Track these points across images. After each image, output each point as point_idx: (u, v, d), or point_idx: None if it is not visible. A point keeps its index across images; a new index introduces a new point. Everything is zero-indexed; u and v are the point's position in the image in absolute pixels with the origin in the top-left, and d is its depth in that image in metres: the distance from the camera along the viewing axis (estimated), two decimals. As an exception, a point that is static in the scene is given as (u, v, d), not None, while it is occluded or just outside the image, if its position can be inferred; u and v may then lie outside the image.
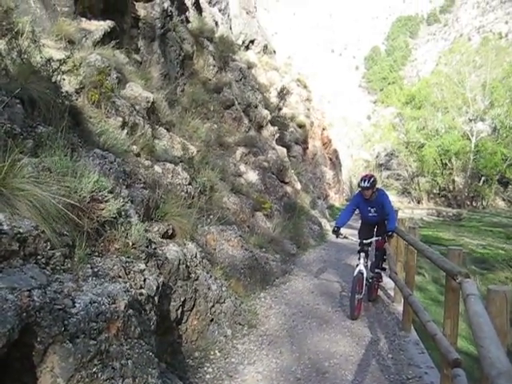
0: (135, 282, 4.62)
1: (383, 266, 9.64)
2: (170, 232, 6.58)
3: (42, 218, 3.88)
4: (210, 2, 23.20)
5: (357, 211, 9.10)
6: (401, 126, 57.01)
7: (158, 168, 8.14)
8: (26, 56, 5.12)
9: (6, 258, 3.48)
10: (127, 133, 7.83)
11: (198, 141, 12.04)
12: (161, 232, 6.36)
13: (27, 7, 8.26)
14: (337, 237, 8.55)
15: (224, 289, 7.26)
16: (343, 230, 8.68)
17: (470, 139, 49.12)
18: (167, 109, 11.08)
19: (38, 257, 3.71)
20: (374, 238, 8.78)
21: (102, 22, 10.33)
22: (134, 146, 7.81)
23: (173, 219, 6.83)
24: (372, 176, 8.67)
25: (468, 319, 3.18)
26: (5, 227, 3.48)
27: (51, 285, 3.54)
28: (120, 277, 4.38)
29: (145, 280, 4.77)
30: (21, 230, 3.59)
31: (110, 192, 4.60)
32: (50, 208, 3.91)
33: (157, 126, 9.68)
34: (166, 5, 13.52)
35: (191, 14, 17.43)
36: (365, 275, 8.34)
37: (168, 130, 10.28)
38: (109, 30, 10.33)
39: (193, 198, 8.91)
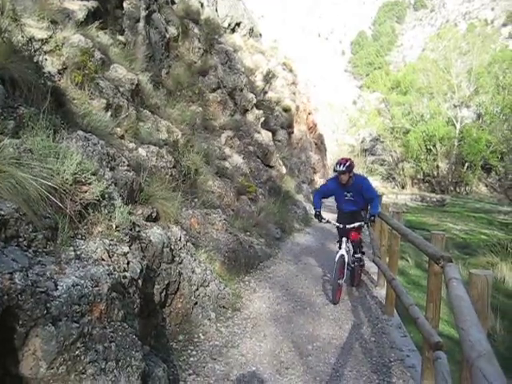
0: (119, 264, 4.58)
1: (362, 250, 9.43)
2: (154, 215, 6.55)
3: (24, 200, 3.82)
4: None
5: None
6: (386, 112, 57.23)
7: (142, 151, 8.07)
8: (6, 35, 5.01)
9: (-13, 240, 3.44)
10: (111, 115, 7.75)
11: (183, 124, 11.94)
12: (145, 215, 6.32)
13: (8, -15, 8.08)
14: (320, 221, 8.37)
15: (208, 272, 7.26)
16: (325, 215, 8.59)
17: (454, 125, 49.49)
18: (152, 91, 10.97)
19: (20, 239, 3.66)
20: (354, 225, 8.37)
21: (85, 2, 10.16)
22: (118, 129, 7.74)
23: (157, 202, 6.79)
24: (348, 160, 8.16)
25: (450, 303, 3.21)
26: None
27: (33, 267, 3.51)
28: (103, 260, 4.34)
29: (128, 263, 4.74)
30: (2, 213, 3.54)
31: (93, 174, 4.54)
32: (31, 190, 3.85)
33: (141, 109, 9.59)
34: (149, -15, 13.31)
35: (176, -5, 17.20)
36: (346, 260, 8.31)
37: (153, 112, 10.19)
38: (92, 10, 10.18)
39: (177, 181, 8.85)
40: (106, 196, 4.85)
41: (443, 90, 51.95)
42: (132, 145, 7.86)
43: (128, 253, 4.83)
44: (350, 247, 8.76)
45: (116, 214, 4.88)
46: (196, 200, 9.54)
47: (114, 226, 4.86)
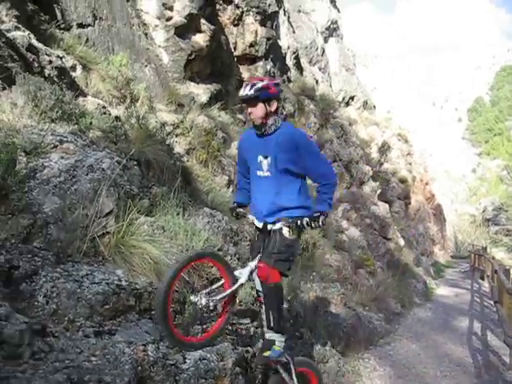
0: (242, 339, 4.66)
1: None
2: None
3: (156, 274, 4.07)
4: (310, 62, 23.78)
5: None
6: (509, 179, 54.43)
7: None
8: (143, 121, 5.52)
9: (124, 312, 3.67)
10: (232, 191, 8.08)
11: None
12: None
13: (143, 75, 8.91)
14: (237, 218, 4.60)
15: (327, 348, 7.11)
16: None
17: None
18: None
19: (152, 312, 3.87)
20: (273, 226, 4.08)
21: (208, 86, 10.91)
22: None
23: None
24: (263, 79, 4.09)
25: None
26: (123, 283, 3.68)
27: (164, 340, 3.66)
28: (228, 334, 4.45)
29: (251, 337, 4.80)
30: (137, 286, 3.78)
31: (219, 250, 4.74)
32: (162, 266, 4.09)
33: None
34: (268, 66, 14.05)
35: (292, 73, 17.96)
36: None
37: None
38: (215, 92, 10.87)
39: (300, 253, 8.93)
40: (229, 270, 5.01)
41: None
42: (252, 218, 8.08)
43: (251, 327, 4.90)
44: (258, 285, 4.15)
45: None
46: (314, 273, 9.51)
47: (237, 301, 4.98)
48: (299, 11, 25.14)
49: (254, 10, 14.14)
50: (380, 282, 13.11)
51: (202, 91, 10.40)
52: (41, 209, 3.66)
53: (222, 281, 4.04)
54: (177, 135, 6.23)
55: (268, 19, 14.89)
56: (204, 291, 3.85)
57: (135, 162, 4.82)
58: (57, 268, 3.39)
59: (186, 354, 3.65)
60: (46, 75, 6.26)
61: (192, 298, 3.81)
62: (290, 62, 18.20)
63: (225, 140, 9.18)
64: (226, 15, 13.72)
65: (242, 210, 4.43)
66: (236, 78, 12.66)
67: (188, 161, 7.03)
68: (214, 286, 3.96)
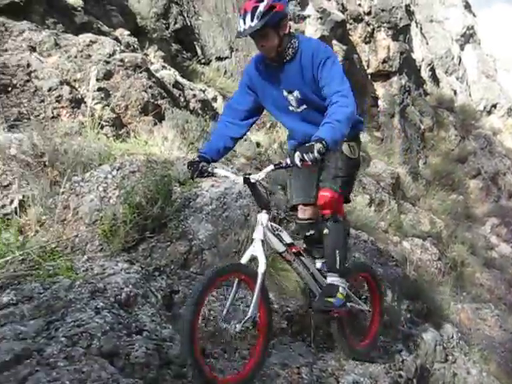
0: (394, 363, 4.52)
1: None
2: (425, 311, 6.36)
3: (305, 297, 4.10)
4: (446, 72, 22.89)
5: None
6: None
7: (406, 244, 8.06)
8: (285, 146, 5.62)
9: (276, 335, 3.73)
10: (374, 210, 7.97)
11: (444, 214, 11.63)
12: (415, 311, 6.19)
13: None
14: (194, 177, 3.28)
15: (484, 374, 6.66)
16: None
17: None
18: (411, 183, 11.03)
19: (304, 335, 3.90)
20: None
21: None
22: (382, 223, 7.89)
23: (425, 297, 6.60)
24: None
25: None
26: (275, 306, 3.76)
27: (317, 363, 3.67)
28: (380, 357, 4.34)
29: (403, 361, 4.64)
30: (288, 309, 3.85)
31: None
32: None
33: (402, 201, 9.67)
34: (403, 81, 13.78)
35: (428, 86, 17.42)
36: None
37: (413, 204, 10.20)
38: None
39: (443, 274, 8.55)
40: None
41: None
42: (396, 238, 7.91)
43: (402, 350, 4.75)
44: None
45: (388, 310, 4.90)
46: (464, 293, 9.02)
47: (388, 324, 4.86)
48: (431, 21, 24.35)
49: (384, 25, 13.98)
50: (539, 302, 12.09)
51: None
52: (196, 236, 3.87)
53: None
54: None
55: (400, 33, 14.65)
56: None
57: (279, 187, 4.92)
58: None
59: (340, 378, 3.62)
60: (192, 108, 6.67)
61: (222, 323, 2.88)
62: (424, 74, 17.67)
63: (363, 159, 9.08)
64: (357, 33, 13.70)
65: (206, 165, 3.22)
66: (371, 96, 12.56)
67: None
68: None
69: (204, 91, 7.36)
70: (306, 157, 2.75)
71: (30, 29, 5.64)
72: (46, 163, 4.38)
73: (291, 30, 3.21)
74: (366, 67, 13.55)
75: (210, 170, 3.21)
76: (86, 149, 4.61)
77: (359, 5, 13.87)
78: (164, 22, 8.29)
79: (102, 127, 5.30)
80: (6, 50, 5.30)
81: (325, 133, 2.86)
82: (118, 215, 3.57)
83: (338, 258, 3.37)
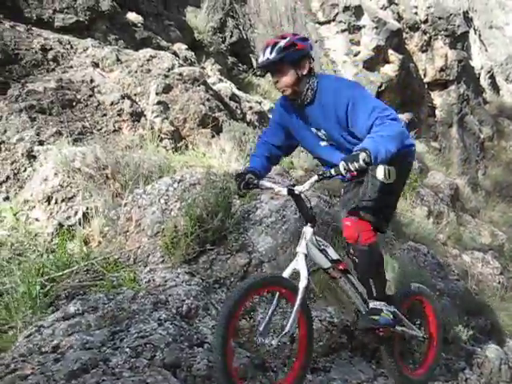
0: (457, 381, 4.41)
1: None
2: (488, 328, 6.15)
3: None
4: (506, 79, 22.24)
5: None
6: None
7: (466, 257, 7.82)
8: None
9: (336, 350, 3.69)
10: (433, 222, 7.80)
11: (506, 226, 11.24)
12: (477, 327, 5.99)
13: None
14: (242, 188, 3.21)
15: None
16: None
17: None
18: (470, 194, 10.73)
19: (364, 350, 3.84)
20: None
21: (400, 115, 10.74)
22: (441, 235, 7.71)
23: (489, 313, 6.39)
24: (285, 36, 3.09)
25: None
26: (335, 320, 3.73)
27: (377, 379, 3.61)
28: (442, 375, 4.24)
29: (466, 380, 4.51)
30: (348, 324, 3.79)
31: (429, 286, 4.57)
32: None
33: (461, 213, 9.42)
34: (461, 90, 13.51)
35: (488, 94, 16.96)
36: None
37: (472, 216, 9.91)
38: (407, 121, 10.69)
39: (506, 289, 8.25)
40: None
41: None
42: (455, 251, 7.70)
43: (465, 368, 4.63)
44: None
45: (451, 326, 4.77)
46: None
47: (449, 339, 4.74)
48: (491, 27, 23.73)
49: (442, 33, 13.75)
50: None
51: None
52: (255, 248, 3.88)
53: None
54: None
55: (458, 41, 14.38)
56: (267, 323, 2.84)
57: (338, 199, 4.88)
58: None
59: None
60: (248, 120, 6.71)
61: (259, 338, 2.78)
62: (484, 82, 17.22)
63: (421, 170, 8.94)
64: (414, 42, 13.52)
65: (253, 177, 3.19)
66: (427, 105, 12.34)
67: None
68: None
69: (260, 103, 7.41)
70: (350, 166, 2.66)
71: (93, 45, 5.84)
72: (109, 175, 4.50)
73: (312, 73, 3.12)
74: (422, 76, 13.34)
75: (255, 182, 3.16)
76: (147, 161, 4.72)
77: (415, 13, 13.68)
78: (220, 35, 8.42)
79: (161, 140, 5.42)
80: (71, 67, 5.51)
81: (367, 144, 2.76)
82: (179, 227, 3.62)
83: (373, 287, 3.25)
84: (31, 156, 4.67)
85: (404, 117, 10.74)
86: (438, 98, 12.99)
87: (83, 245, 3.86)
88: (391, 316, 3.25)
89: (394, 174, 3.17)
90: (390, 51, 11.49)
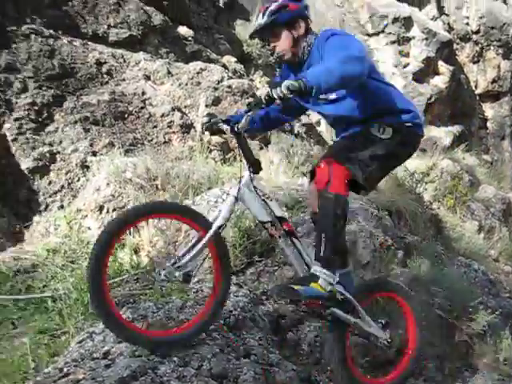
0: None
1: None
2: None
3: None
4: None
5: None
6: None
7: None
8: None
9: (383, 365, 3.63)
10: (483, 237, 7.61)
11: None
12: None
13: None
14: (204, 128, 3.35)
15: None
16: None
17: None
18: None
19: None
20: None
21: (450, 128, 10.60)
22: (492, 251, 7.51)
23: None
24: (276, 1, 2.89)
25: None
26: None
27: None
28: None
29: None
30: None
31: (480, 303, 4.47)
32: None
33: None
34: (515, 102, 13.14)
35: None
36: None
37: (526, 231, 9.61)
38: (457, 134, 10.50)
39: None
40: (491, 326, 4.67)
41: None
42: (508, 268, 7.48)
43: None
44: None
45: (503, 346, 4.62)
46: None
47: (502, 360, 4.59)
48: (545, 38, 23.16)
49: (494, 43, 13.44)
50: None
51: (443, 134, 10.13)
52: (302, 261, 3.87)
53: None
54: (426, 183, 6.15)
55: (511, 51, 14.01)
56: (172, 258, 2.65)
57: (386, 212, 4.83)
58: (320, 319, 3.52)
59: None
60: (296, 132, 6.72)
61: (155, 273, 2.65)
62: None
63: (472, 183, 8.72)
64: (465, 53, 13.26)
65: (219, 121, 3.04)
66: (479, 117, 12.08)
67: (438, 208, 6.84)
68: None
69: (308, 115, 7.40)
70: (273, 92, 2.43)
71: (145, 59, 6.00)
72: (159, 186, 4.59)
73: (309, 32, 2.97)
74: (473, 88, 13.06)
75: (219, 125, 3.02)
76: (196, 172, 4.79)
77: (467, 24, 13.43)
78: (268, 48, 8.46)
79: (210, 151, 5.50)
80: (123, 80, 5.66)
81: (308, 72, 2.53)
82: (228, 239, 3.64)
83: (323, 244, 2.79)
84: (85, 166, 4.83)
85: (454, 129, 10.56)
86: (489, 109, 12.69)
87: (133, 253, 3.94)
88: (325, 289, 2.75)
89: (389, 133, 2.92)
90: (440, 62, 11.31)
